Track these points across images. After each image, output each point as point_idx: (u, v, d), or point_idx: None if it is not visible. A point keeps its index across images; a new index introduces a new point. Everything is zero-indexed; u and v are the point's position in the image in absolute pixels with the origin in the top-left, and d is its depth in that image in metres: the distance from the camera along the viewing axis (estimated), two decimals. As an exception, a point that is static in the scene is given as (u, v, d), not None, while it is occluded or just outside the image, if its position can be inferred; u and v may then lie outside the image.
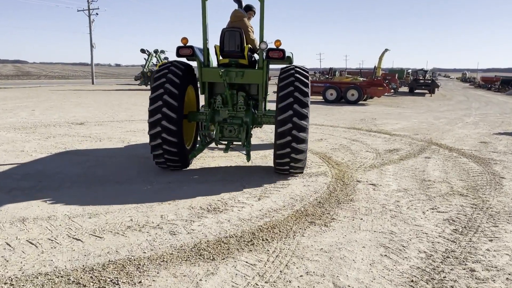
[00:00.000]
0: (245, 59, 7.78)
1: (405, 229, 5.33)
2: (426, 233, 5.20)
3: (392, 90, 38.07)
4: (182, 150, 7.40)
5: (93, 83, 49.89)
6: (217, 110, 8.01)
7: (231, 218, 5.59)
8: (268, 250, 4.62)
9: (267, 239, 4.91)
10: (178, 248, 4.62)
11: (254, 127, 8.78)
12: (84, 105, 21.71)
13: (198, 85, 8.29)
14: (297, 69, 7.44)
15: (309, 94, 7.05)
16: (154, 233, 5.01)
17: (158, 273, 4.06)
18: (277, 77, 7.68)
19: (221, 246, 4.70)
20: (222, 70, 7.25)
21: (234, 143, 8.16)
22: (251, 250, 4.61)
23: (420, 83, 42.06)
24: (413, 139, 12.70)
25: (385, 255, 4.55)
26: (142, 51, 39.22)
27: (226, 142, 8.08)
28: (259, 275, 4.06)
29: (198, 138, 8.95)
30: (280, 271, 4.14)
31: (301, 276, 4.06)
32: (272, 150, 10.07)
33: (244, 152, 8.00)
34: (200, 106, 9.27)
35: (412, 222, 5.58)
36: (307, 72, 7.45)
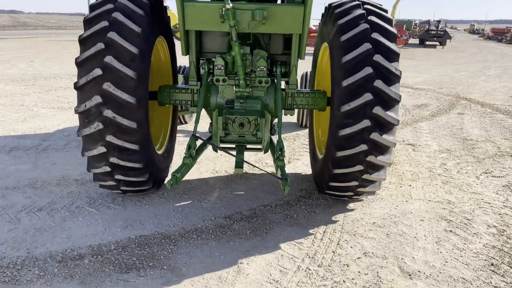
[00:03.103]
0: None
1: (463, 197, 4.67)
2: (488, 203, 4.55)
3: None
4: (148, 160, 3.94)
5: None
6: (216, 85, 4.36)
7: (263, 184, 4.93)
8: (313, 224, 3.99)
9: (308, 211, 4.27)
10: (209, 221, 3.98)
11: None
12: (84, 56, 20.65)
13: (175, 38, 4.67)
14: (370, 6, 3.92)
15: (398, 56, 3.71)
16: (179, 202, 4.36)
17: (190, 253, 3.44)
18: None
19: (257, 219, 4.05)
20: (229, 5, 3.58)
21: (249, 146, 4.45)
22: (292, 225, 3.98)
23: (432, 34, 40.37)
24: (439, 93, 11.87)
25: (451, 231, 3.91)
26: None
27: (233, 146, 4.41)
28: (309, 257, 3.43)
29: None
30: (333, 252, 3.52)
31: (358, 258, 3.43)
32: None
33: (277, 174, 3.80)
34: (179, 70, 6.39)
35: (468, 189, 4.92)
36: (388, 15, 3.93)
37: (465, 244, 3.69)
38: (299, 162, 5.69)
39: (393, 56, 3.64)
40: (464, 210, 4.34)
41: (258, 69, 4.16)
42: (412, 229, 3.92)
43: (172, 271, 3.18)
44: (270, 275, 3.17)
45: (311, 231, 3.85)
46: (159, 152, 4.45)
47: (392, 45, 3.65)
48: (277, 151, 3.82)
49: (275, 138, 4.51)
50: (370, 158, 3.68)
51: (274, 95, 4.35)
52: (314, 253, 3.48)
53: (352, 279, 3.16)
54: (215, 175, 5.11)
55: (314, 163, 4.75)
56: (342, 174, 3.86)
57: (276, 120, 4.84)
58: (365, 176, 3.82)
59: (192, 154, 3.87)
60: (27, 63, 16.55)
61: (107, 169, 3.77)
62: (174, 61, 4.99)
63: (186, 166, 3.78)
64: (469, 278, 3.20)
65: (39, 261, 3.25)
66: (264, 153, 4.41)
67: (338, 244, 3.64)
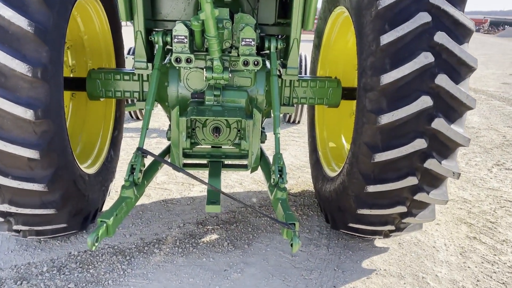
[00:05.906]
0: None
1: (479, 194, 3.98)
2: (509, 201, 3.87)
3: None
4: (62, 181, 2.43)
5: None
6: (176, 68, 2.91)
7: (243, 180, 4.13)
8: (307, 231, 3.21)
9: (299, 214, 3.49)
10: (177, 228, 3.16)
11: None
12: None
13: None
14: None
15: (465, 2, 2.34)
16: (140, 202, 3.51)
17: (148, 276, 2.61)
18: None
19: (236, 225, 3.25)
20: None
21: (228, 163, 3.10)
22: (281, 232, 3.18)
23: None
24: (428, 80, 11.28)
25: (474, 238, 3.20)
26: None
27: (205, 163, 3.07)
28: (305, 277, 2.65)
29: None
30: (335, 269, 2.75)
31: (368, 277, 2.68)
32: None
33: (277, 213, 2.52)
34: (127, 53, 5.25)
35: (483, 184, 4.24)
36: None
37: (495, 255, 2.98)
38: (285, 153, 4.90)
39: (460, 3, 2.27)
40: (484, 211, 3.64)
41: (243, 43, 2.69)
42: (429, 236, 3.19)
43: (123, 303, 2.35)
44: (255, 305, 2.39)
45: (305, 240, 3.08)
46: (88, 171, 2.89)
47: (466, 22, 2.26)
48: (275, 173, 2.42)
49: (263, 145, 3.22)
50: (430, 164, 2.28)
51: (267, 84, 2.94)
52: (310, 271, 2.71)
53: (364, 309, 2.40)
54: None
55: (321, 184, 3.27)
56: (382, 194, 2.42)
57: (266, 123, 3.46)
58: (418, 196, 2.40)
59: (137, 181, 2.37)
60: None
61: None
62: (118, 36, 3.43)
63: (126, 203, 2.24)
64: (511, 304, 2.48)
65: None
66: (251, 172, 3.00)
67: (340, 258, 2.88)
